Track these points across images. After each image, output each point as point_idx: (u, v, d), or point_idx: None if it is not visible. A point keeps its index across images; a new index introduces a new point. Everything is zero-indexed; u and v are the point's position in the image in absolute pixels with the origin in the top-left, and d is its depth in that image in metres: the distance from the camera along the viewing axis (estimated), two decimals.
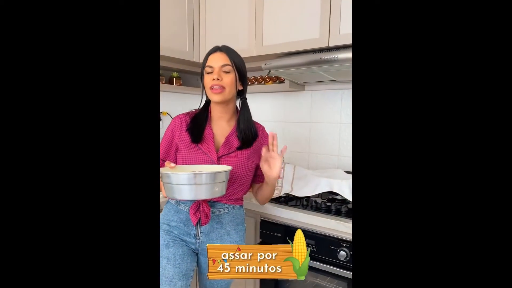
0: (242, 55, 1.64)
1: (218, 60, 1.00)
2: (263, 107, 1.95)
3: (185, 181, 0.79)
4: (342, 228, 1.15)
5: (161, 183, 0.86)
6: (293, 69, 1.36)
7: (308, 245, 1.26)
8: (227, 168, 0.89)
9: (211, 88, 0.99)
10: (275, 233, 1.34)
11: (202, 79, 1.03)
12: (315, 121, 1.75)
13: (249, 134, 1.08)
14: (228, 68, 1.00)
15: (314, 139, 1.76)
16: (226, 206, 1.05)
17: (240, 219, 1.10)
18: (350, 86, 1.60)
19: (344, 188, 1.29)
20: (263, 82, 1.78)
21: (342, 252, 1.14)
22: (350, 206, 1.29)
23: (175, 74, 1.92)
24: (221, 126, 1.08)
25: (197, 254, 1.07)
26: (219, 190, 0.83)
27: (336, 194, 1.41)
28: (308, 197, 1.41)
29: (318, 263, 1.21)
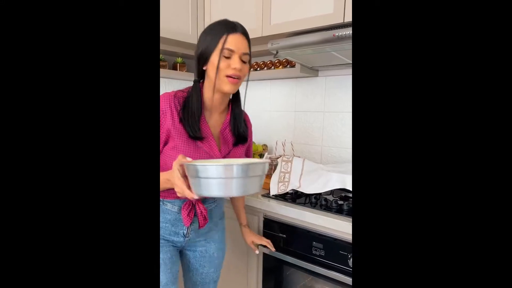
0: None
1: (240, 46, 0.84)
2: (273, 95, 1.79)
3: (221, 174, 0.63)
4: None
5: (178, 179, 0.70)
6: (303, 50, 1.20)
7: (315, 249, 1.12)
8: (264, 160, 0.74)
9: (229, 76, 0.84)
10: (279, 234, 1.20)
11: (203, 59, 0.86)
12: (329, 110, 1.58)
13: (244, 129, 0.98)
14: (247, 58, 0.87)
15: (328, 130, 1.60)
16: (215, 199, 1.00)
17: (222, 208, 1.10)
18: None
19: None
20: (272, 67, 1.63)
21: None
22: None
23: (179, 59, 1.79)
24: (215, 119, 0.95)
25: (181, 250, 1.03)
26: (257, 185, 0.67)
27: (350, 191, 1.25)
28: (318, 194, 1.25)
29: (325, 269, 1.07)
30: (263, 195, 1.31)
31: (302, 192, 1.29)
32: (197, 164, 0.64)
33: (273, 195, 1.29)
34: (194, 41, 1.63)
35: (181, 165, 0.71)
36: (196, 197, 0.68)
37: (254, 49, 1.62)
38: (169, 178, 0.76)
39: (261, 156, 1.68)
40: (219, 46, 0.83)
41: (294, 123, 1.72)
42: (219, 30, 0.84)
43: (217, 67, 0.83)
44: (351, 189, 1.14)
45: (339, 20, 1.16)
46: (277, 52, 1.26)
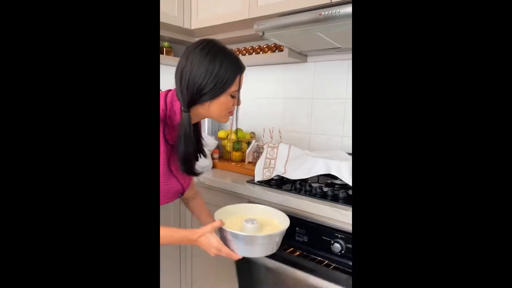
0: (234, 19, 1.47)
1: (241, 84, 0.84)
2: (261, 82, 1.76)
3: (265, 241, 0.79)
4: (338, 216, 0.97)
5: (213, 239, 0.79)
6: (290, 31, 1.16)
7: (298, 235, 1.09)
8: (284, 227, 0.84)
9: (229, 112, 0.85)
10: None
11: (205, 95, 0.79)
12: (318, 97, 1.55)
13: None
14: None
15: (316, 118, 1.57)
16: None
17: None
18: None
19: (344, 171, 1.10)
20: (260, 52, 1.59)
21: (337, 245, 0.96)
22: (350, 193, 1.10)
23: (165, 44, 1.75)
24: None
25: None
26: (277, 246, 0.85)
27: (336, 178, 1.22)
28: (304, 181, 1.22)
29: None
30: (248, 181, 1.28)
31: (287, 179, 1.27)
32: (246, 234, 0.78)
33: (257, 181, 1.26)
34: (181, 23, 1.58)
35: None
36: (240, 257, 0.80)
37: (240, 33, 1.58)
38: (193, 238, 0.79)
39: (248, 144, 1.65)
40: (232, 89, 0.81)
41: (283, 110, 1.69)
42: (228, 70, 0.79)
43: (210, 98, 0.80)
44: (336, 175, 1.12)
45: (327, 0, 1.12)
46: (263, 34, 1.22)
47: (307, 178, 1.24)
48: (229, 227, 0.77)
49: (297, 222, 1.07)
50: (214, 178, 1.34)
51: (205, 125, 1.70)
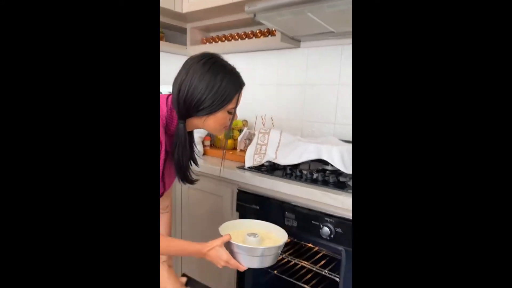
0: (226, 1, 1.43)
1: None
2: (253, 68, 1.73)
3: (271, 251, 0.85)
4: (328, 200, 0.96)
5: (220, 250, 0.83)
6: (282, 12, 1.13)
7: (287, 219, 1.08)
8: (283, 241, 0.88)
9: (225, 126, 0.86)
10: (252, 205, 1.15)
11: (202, 110, 0.79)
12: (311, 83, 1.53)
13: None
14: None
15: (309, 104, 1.55)
16: None
17: None
18: (351, 41, 1.37)
19: (335, 155, 1.09)
20: (253, 37, 1.56)
21: (326, 229, 0.95)
22: (341, 178, 1.08)
23: None
24: None
25: None
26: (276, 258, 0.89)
27: (327, 164, 1.21)
28: (295, 167, 1.21)
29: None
30: (238, 167, 1.26)
31: (278, 165, 1.25)
32: (251, 246, 0.84)
33: (248, 167, 1.24)
34: (172, 6, 1.54)
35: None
36: (246, 268, 0.84)
37: (233, 17, 1.55)
38: (203, 251, 0.81)
39: (240, 131, 1.63)
40: (230, 106, 0.81)
41: (275, 97, 1.67)
42: (228, 87, 0.80)
43: (208, 113, 0.80)
44: (327, 160, 1.10)
45: None
46: (254, 16, 1.19)
47: (298, 164, 1.23)
48: (233, 241, 0.83)
49: (287, 207, 1.06)
50: (205, 164, 1.32)
51: None
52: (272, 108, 1.68)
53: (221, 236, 0.83)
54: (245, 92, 1.85)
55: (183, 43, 1.80)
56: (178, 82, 0.79)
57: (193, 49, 1.76)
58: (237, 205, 1.21)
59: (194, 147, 0.94)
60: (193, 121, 0.83)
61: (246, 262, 0.84)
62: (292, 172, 1.16)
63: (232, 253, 0.84)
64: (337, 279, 1.02)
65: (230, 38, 1.65)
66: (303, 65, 1.54)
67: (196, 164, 0.96)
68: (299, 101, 1.58)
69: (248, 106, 1.77)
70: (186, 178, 0.90)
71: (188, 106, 0.78)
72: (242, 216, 1.17)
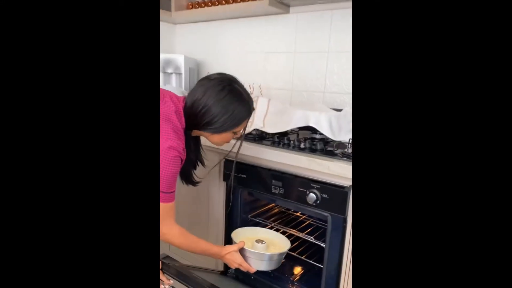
0: None
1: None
2: (241, 35, 1.67)
3: (274, 257, 1.00)
4: (314, 166, 0.94)
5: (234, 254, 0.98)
6: None
7: (275, 187, 1.07)
8: (287, 248, 1.04)
9: (227, 142, 0.94)
10: (239, 174, 1.14)
11: (219, 129, 0.86)
12: (300, 51, 1.48)
13: None
14: None
15: (298, 73, 1.51)
16: None
17: None
18: (342, 6, 1.32)
19: (323, 122, 1.07)
20: (240, 1, 1.49)
21: (312, 195, 0.94)
22: (328, 148, 1.07)
23: None
24: None
25: None
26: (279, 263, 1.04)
27: (315, 133, 1.19)
28: (283, 135, 1.19)
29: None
30: None
31: (266, 134, 1.23)
32: (263, 252, 1.00)
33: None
34: None
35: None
36: (255, 270, 0.99)
37: None
38: (221, 254, 0.97)
39: None
40: (237, 129, 0.88)
41: (264, 65, 1.62)
42: (240, 114, 0.85)
43: (218, 131, 0.87)
44: (314, 126, 1.08)
45: None
46: None
47: (286, 133, 1.21)
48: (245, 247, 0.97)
49: (274, 175, 1.04)
50: None
51: (182, 81, 1.62)
52: (261, 77, 1.63)
53: (233, 241, 1.00)
54: (233, 59, 1.81)
55: (168, 8, 1.71)
56: (194, 99, 0.84)
57: (178, 15, 1.69)
58: (224, 174, 1.19)
59: (201, 149, 1.02)
60: (200, 131, 0.89)
61: (256, 265, 0.98)
62: (280, 140, 1.14)
63: (243, 257, 0.97)
64: (323, 246, 1.03)
65: (216, 3, 1.57)
66: (292, 32, 1.49)
67: (203, 164, 1.04)
68: (288, 69, 1.54)
69: (236, 75, 1.73)
70: (189, 180, 1.00)
71: (198, 122, 0.85)
72: (229, 185, 1.16)
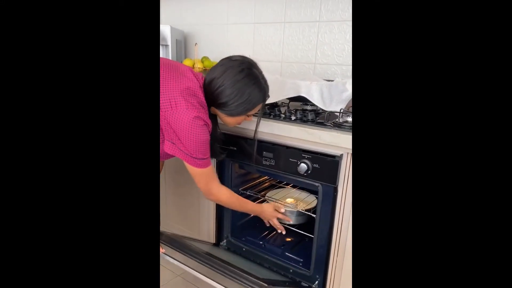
0: None
1: None
2: (229, 6, 1.60)
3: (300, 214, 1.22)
4: (305, 135, 0.93)
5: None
6: None
7: (265, 159, 1.06)
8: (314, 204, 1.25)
9: (239, 123, 0.95)
10: (230, 147, 1.12)
11: (233, 111, 0.88)
12: (290, 20, 1.44)
13: None
14: None
15: (288, 44, 1.47)
16: None
17: None
18: None
19: (314, 92, 1.05)
20: None
21: (303, 165, 0.93)
22: (319, 119, 1.05)
23: None
24: None
25: None
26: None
27: (306, 104, 1.17)
28: (274, 106, 1.17)
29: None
30: None
31: None
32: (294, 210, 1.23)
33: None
34: None
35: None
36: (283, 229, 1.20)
37: None
38: (264, 214, 1.16)
39: None
40: (250, 113, 0.90)
41: (253, 36, 1.57)
42: (255, 98, 0.86)
43: (230, 113, 0.89)
44: (305, 96, 1.06)
45: None
46: None
47: (277, 104, 1.18)
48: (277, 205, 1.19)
49: (265, 146, 1.03)
50: None
51: (169, 53, 1.57)
52: (250, 49, 1.59)
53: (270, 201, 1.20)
54: (221, 31, 1.76)
55: None
56: (212, 77, 0.85)
57: None
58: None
59: (218, 128, 1.02)
60: (214, 110, 0.91)
61: (290, 219, 1.19)
62: (270, 112, 1.12)
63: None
64: (314, 216, 1.03)
65: None
66: (282, 1, 1.44)
67: (221, 142, 1.07)
68: (278, 41, 1.49)
69: (224, 46, 1.68)
70: (215, 153, 1.01)
71: (214, 100, 0.86)
72: (219, 161, 1.15)
